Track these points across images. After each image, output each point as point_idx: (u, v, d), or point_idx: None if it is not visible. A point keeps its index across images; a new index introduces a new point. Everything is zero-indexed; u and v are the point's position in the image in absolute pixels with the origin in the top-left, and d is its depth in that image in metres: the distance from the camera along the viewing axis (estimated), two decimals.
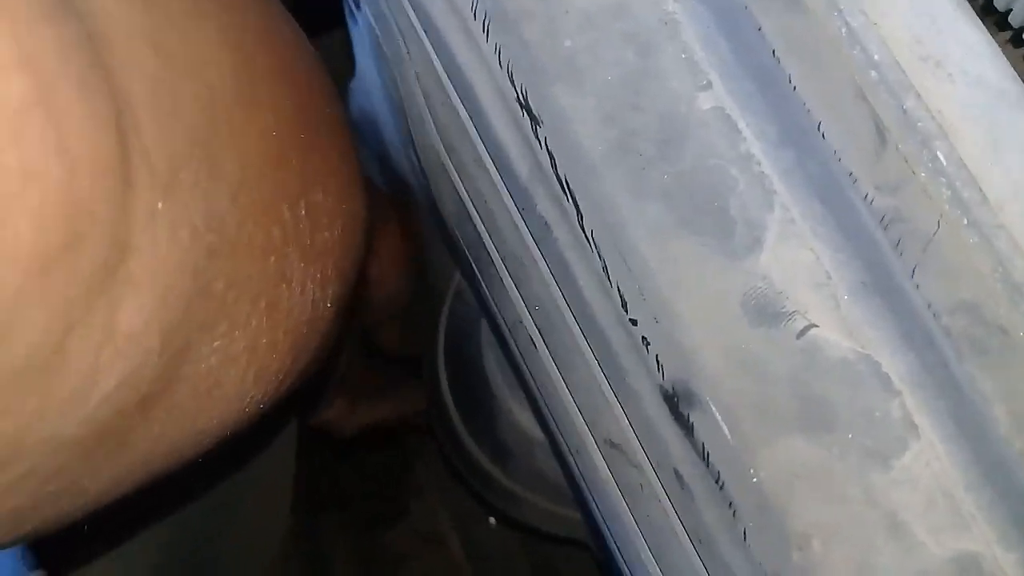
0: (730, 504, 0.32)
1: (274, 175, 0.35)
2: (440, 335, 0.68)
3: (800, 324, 0.32)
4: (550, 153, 0.35)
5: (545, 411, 0.49)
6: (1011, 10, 0.37)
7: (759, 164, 0.34)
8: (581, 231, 0.35)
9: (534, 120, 0.36)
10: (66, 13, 0.26)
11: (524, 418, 0.64)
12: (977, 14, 0.35)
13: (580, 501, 0.54)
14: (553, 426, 0.48)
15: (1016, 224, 0.32)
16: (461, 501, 0.94)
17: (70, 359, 0.27)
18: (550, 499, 0.67)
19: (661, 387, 0.33)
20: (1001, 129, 0.34)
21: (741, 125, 0.34)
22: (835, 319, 0.32)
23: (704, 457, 0.32)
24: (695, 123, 0.34)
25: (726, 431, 0.31)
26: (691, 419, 0.32)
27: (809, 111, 0.32)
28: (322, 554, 0.89)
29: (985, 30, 0.35)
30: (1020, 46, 0.36)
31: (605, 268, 0.34)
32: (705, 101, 0.35)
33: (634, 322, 0.33)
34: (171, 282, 0.29)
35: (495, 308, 0.49)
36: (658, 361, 0.33)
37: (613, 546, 0.46)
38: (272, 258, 0.34)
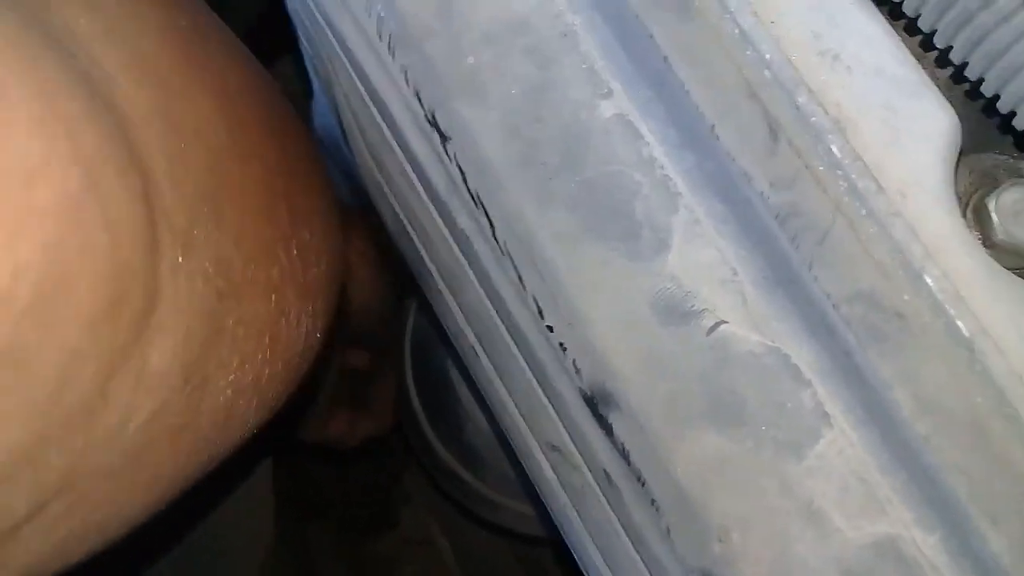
0: (652, 501, 0.32)
1: (268, 219, 0.39)
2: (406, 346, 0.69)
3: (709, 321, 0.33)
4: (460, 167, 0.36)
5: (496, 417, 0.50)
6: None
7: (662, 167, 0.34)
8: (495, 242, 0.35)
9: (442, 136, 0.36)
10: (101, 108, 0.31)
11: (490, 423, 0.65)
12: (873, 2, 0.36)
13: (540, 503, 0.54)
14: (505, 432, 0.48)
15: (914, 210, 0.33)
16: (450, 507, 0.95)
17: (110, 400, 0.31)
18: (523, 501, 0.68)
19: (581, 390, 0.34)
20: (900, 117, 0.34)
21: (643, 130, 0.35)
22: (742, 314, 0.33)
23: (625, 456, 0.33)
24: (597, 130, 0.35)
25: (643, 430, 0.32)
26: (610, 420, 0.33)
27: (702, 113, 0.33)
28: (311, 561, 0.90)
29: (883, 20, 0.36)
30: (915, 34, 0.36)
31: (520, 278, 0.35)
32: (607, 109, 0.35)
33: (551, 328, 0.34)
34: (191, 324, 0.33)
35: (441, 319, 0.49)
36: (575, 365, 0.34)
37: (569, 545, 0.47)
38: (273, 296, 0.38)
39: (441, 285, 0.45)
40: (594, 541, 0.41)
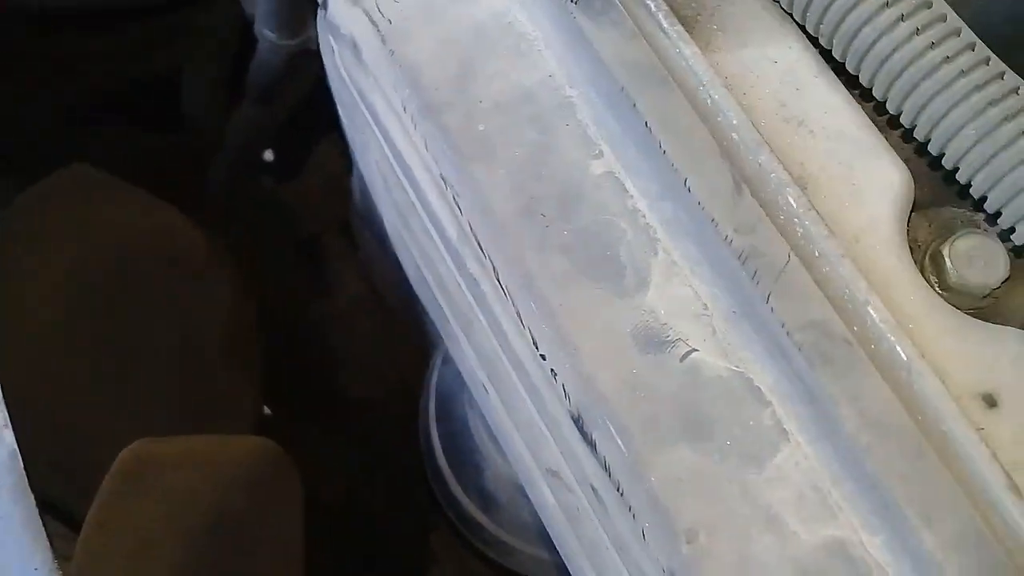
0: (630, 508, 0.37)
1: None
2: (431, 399, 0.74)
3: (682, 349, 0.38)
4: (469, 220, 0.41)
5: (506, 451, 0.54)
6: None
7: (644, 216, 0.40)
8: (498, 284, 0.40)
9: (455, 193, 0.42)
10: None
11: (507, 468, 0.69)
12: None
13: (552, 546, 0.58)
14: (513, 465, 0.53)
15: (866, 253, 0.37)
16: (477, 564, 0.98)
17: None
18: (538, 547, 0.72)
19: (569, 412, 0.39)
20: (858, 174, 0.39)
21: (628, 185, 0.40)
22: (712, 344, 0.38)
23: (606, 469, 0.37)
24: (590, 186, 0.41)
25: (621, 445, 0.37)
26: (594, 436, 0.38)
27: (676, 170, 0.38)
28: None
29: (843, 89, 0.41)
30: (869, 100, 0.41)
31: (519, 314, 0.40)
32: (598, 167, 0.41)
33: (544, 357, 0.39)
34: None
35: (458, 363, 0.54)
36: (564, 389, 0.38)
37: (572, 571, 0.51)
38: None
39: (455, 328, 0.50)
40: (590, 560, 0.45)
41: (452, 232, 0.43)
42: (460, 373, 0.73)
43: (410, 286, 0.60)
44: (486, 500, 0.71)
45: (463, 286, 0.46)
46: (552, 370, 0.39)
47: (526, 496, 0.68)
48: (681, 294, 0.38)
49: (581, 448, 0.39)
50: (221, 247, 0.91)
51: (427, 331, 0.81)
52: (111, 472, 0.57)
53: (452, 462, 0.72)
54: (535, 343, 0.39)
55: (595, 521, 0.42)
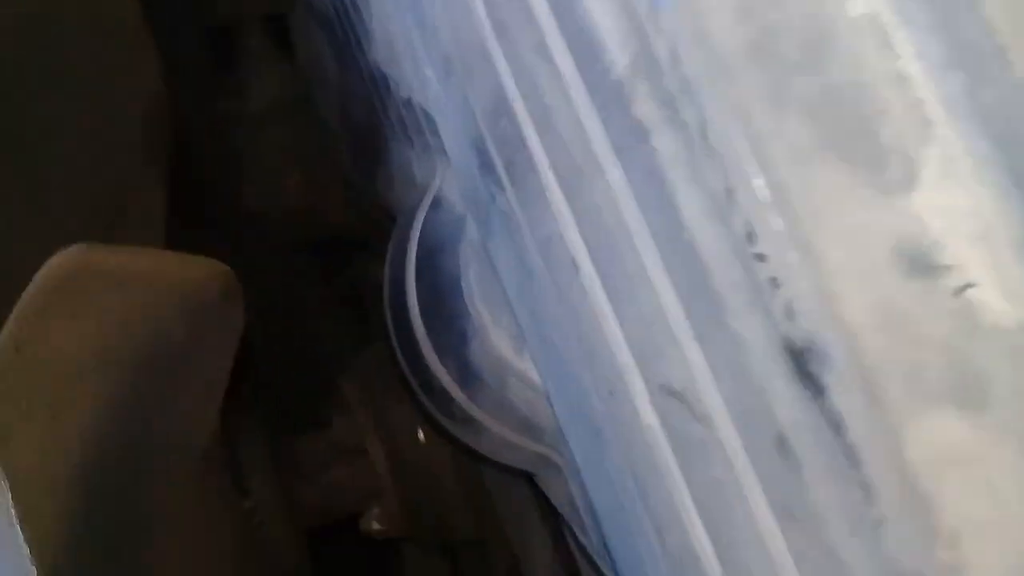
0: (864, 485, 0.27)
1: None
2: (411, 242, 0.62)
3: (957, 281, 0.27)
4: (672, 44, 0.29)
5: (560, 342, 0.43)
6: None
7: (918, 88, 0.28)
8: (703, 142, 0.29)
9: (652, 3, 0.29)
10: None
11: (503, 343, 0.58)
12: None
13: (576, 447, 0.49)
14: (572, 362, 0.42)
15: None
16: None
17: None
18: (514, 430, 0.62)
19: (786, 338, 0.28)
20: None
21: (898, 38, 0.29)
22: (994, 278, 0.28)
23: (836, 427, 0.27)
24: (844, 29, 0.29)
25: (870, 398, 0.26)
26: (824, 380, 0.27)
27: (994, 28, 0.27)
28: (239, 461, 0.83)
29: None
30: None
31: (731, 189, 0.28)
32: (856, 4, 0.29)
33: (761, 257, 0.28)
34: None
35: (520, 220, 0.42)
36: (789, 307, 0.28)
37: (623, 502, 0.42)
38: None
39: (548, 181, 0.38)
40: (697, 506, 0.36)
41: (619, 57, 0.31)
42: (456, 223, 0.61)
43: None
44: (464, 373, 0.60)
45: (598, 133, 0.34)
46: (773, 278, 0.28)
47: (520, 379, 0.58)
48: (961, 205, 0.28)
49: (787, 390, 0.28)
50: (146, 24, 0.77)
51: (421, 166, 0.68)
52: (36, 283, 0.43)
53: (430, 323, 0.61)
54: (751, 236, 0.28)
55: (742, 470, 0.32)
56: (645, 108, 0.31)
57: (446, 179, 0.62)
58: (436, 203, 0.62)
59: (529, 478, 0.74)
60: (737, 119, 0.28)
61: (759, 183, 0.28)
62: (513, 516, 0.87)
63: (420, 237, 0.61)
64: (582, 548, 0.65)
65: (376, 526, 0.86)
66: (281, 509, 0.78)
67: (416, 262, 0.61)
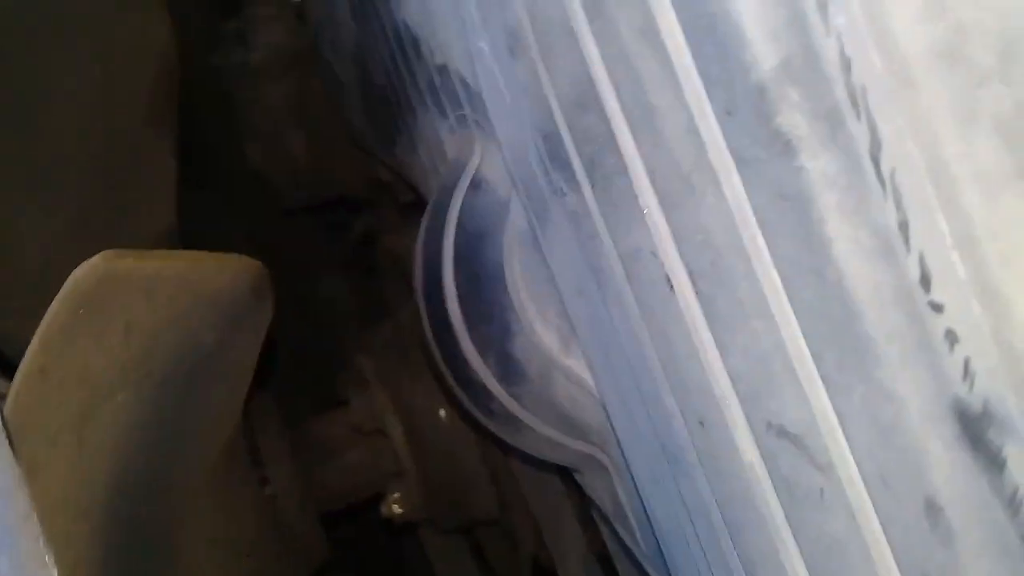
0: None
1: None
2: (449, 226, 0.57)
3: None
4: (842, 46, 0.24)
5: (635, 359, 0.39)
6: None
7: None
8: (872, 166, 0.24)
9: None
10: None
11: (549, 339, 0.54)
12: None
13: (641, 464, 0.45)
14: (651, 381, 0.38)
15: None
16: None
17: None
18: (557, 428, 0.58)
19: (958, 400, 0.24)
20: None
21: None
22: None
23: (1013, 506, 0.23)
24: None
25: None
26: (1003, 452, 0.23)
27: None
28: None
29: None
30: None
31: (904, 224, 0.24)
32: None
33: (937, 307, 0.24)
34: None
35: (598, 225, 0.38)
36: (967, 366, 0.24)
37: (697, 530, 0.38)
38: None
39: (643, 189, 0.34)
40: (803, 553, 0.32)
41: (765, 55, 0.26)
42: (498, 208, 0.56)
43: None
44: (506, 368, 0.56)
45: (716, 142, 0.29)
46: (950, 331, 0.24)
47: (566, 376, 0.54)
48: None
49: (952, 455, 0.24)
50: None
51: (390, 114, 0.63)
52: (61, 298, 0.39)
53: (468, 314, 0.57)
54: (926, 279, 0.24)
55: (868, 527, 0.28)
56: (794, 120, 0.26)
57: (486, 158, 0.58)
58: (475, 184, 0.57)
59: (562, 469, 0.71)
60: (918, 139, 0.23)
61: (941, 218, 0.23)
62: (542, 503, 0.84)
63: (458, 220, 0.57)
64: (626, 549, 0.61)
65: (397, 509, 0.83)
66: (301, 495, 0.75)
67: (454, 248, 0.57)
